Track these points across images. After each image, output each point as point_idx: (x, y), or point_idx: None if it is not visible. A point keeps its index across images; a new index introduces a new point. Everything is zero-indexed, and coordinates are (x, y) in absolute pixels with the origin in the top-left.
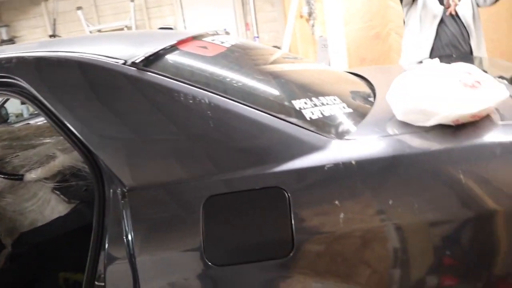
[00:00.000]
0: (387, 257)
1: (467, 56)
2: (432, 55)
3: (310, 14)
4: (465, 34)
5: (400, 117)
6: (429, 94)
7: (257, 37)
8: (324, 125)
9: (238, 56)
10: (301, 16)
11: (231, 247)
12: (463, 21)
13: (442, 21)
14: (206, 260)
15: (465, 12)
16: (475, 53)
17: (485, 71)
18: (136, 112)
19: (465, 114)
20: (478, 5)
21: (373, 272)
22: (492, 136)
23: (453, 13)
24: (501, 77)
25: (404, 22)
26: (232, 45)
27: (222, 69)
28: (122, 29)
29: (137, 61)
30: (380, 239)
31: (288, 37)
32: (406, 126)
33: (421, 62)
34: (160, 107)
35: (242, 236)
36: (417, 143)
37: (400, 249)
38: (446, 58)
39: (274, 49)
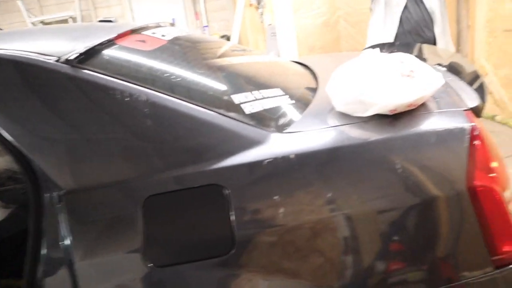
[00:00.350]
0: (331, 250)
1: (407, 44)
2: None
3: (259, 2)
4: (429, 21)
5: (339, 108)
6: (366, 85)
7: (207, 26)
8: (264, 119)
9: (179, 50)
10: (251, 5)
11: (171, 247)
12: (428, 8)
13: (406, 8)
14: (147, 262)
15: None
16: (439, 41)
17: (425, 60)
18: (70, 112)
19: (402, 104)
20: None
21: (318, 266)
22: (428, 124)
23: None
24: (440, 65)
25: (370, 10)
26: (174, 38)
27: (160, 64)
28: (66, 20)
29: (70, 58)
30: (323, 232)
31: (237, 26)
32: (346, 117)
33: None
34: (95, 105)
35: (182, 236)
36: (355, 133)
37: (344, 241)
38: (389, 47)
39: (219, 42)
